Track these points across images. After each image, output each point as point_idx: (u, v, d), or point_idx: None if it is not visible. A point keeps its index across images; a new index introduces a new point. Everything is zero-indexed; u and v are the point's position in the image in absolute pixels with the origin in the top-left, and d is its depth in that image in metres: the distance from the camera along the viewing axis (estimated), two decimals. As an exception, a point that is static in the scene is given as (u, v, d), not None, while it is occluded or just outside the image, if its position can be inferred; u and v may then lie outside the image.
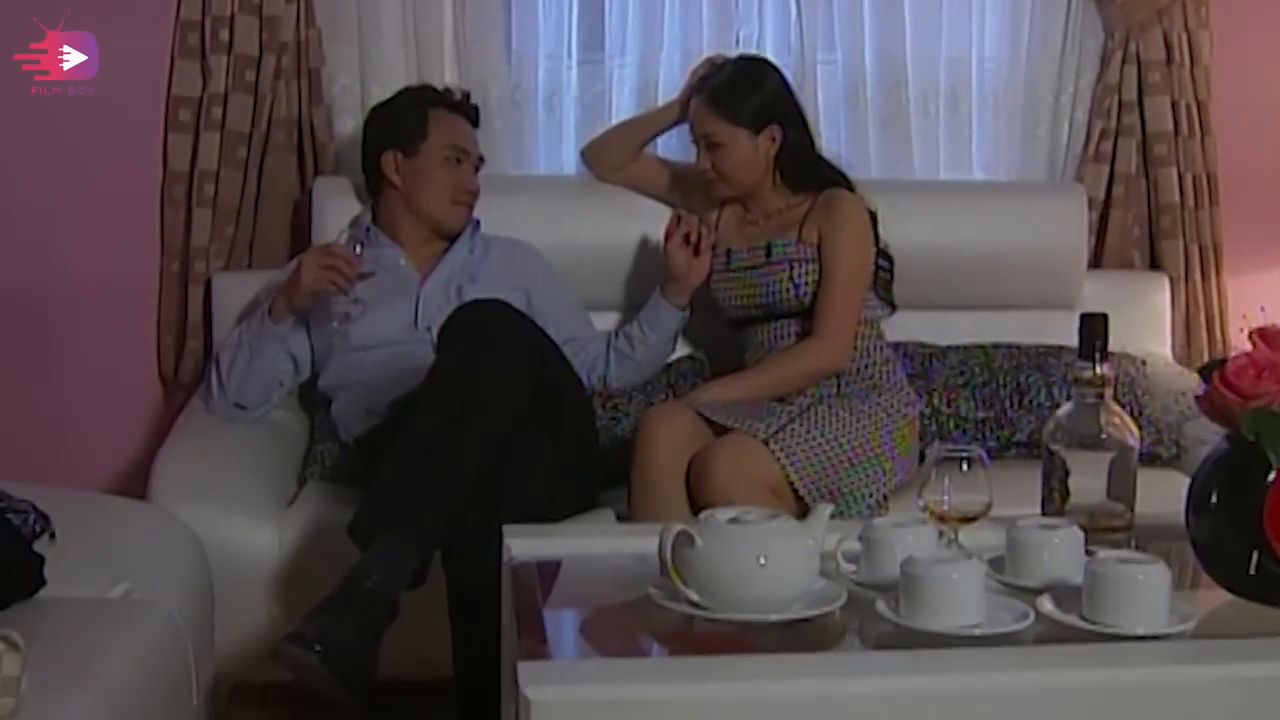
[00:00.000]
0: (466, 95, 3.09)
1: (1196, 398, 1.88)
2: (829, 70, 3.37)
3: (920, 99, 3.38)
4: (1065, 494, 2.02)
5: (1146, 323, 3.38)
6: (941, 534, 1.95)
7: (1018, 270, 3.28)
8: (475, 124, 3.09)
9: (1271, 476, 1.76)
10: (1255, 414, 1.75)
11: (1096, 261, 3.45)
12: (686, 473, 2.63)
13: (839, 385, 2.85)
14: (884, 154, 3.39)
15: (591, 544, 2.05)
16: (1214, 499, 1.82)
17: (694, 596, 1.73)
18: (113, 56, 3.15)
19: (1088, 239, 3.37)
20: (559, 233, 3.19)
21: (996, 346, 3.16)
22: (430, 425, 2.42)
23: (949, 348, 3.16)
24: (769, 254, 2.91)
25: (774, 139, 2.91)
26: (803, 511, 2.57)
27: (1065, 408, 2.05)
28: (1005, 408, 3.04)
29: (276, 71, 3.16)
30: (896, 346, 3.10)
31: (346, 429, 2.89)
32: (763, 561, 1.74)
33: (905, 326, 3.15)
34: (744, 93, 2.90)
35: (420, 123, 2.99)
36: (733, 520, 1.78)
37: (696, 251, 2.97)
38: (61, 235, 3.26)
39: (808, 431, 2.67)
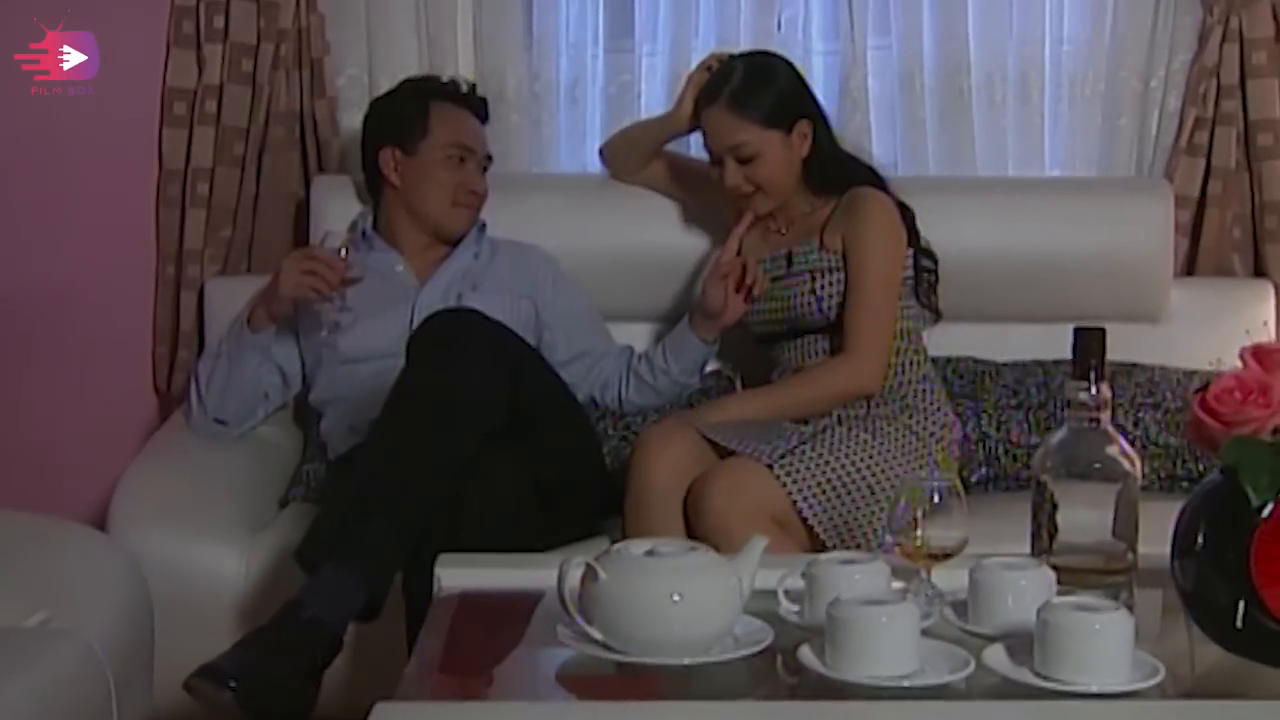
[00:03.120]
0: (473, 88, 3.13)
1: (1187, 424, 1.83)
2: (882, 56, 3.34)
3: (985, 86, 3.33)
4: (1054, 530, 1.98)
5: (1247, 337, 3.27)
6: (910, 573, 1.94)
7: (1091, 278, 3.20)
8: (483, 119, 3.11)
9: (1264, 514, 1.71)
10: (1237, 443, 1.70)
11: (1190, 268, 3.36)
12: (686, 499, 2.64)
13: (868, 405, 2.82)
14: (943, 148, 3.34)
15: (530, 576, 2.05)
16: (1200, 540, 1.77)
17: (598, 636, 1.74)
18: (113, 54, 3.26)
19: (1176, 242, 3.28)
20: (579, 237, 3.21)
21: (1058, 363, 3.09)
22: (389, 445, 2.46)
23: (1004, 364, 3.11)
24: (790, 264, 2.89)
25: (805, 134, 2.89)
26: (815, 545, 2.60)
27: (1057, 434, 2.01)
28: (1062, 432, 2.97)
29: (275, 61, 3.23)
30: (946, 361, 3.07)
31: (334, 447, 2.94)
32: (677, 599, 1.73)
33: (960, 339, 3.12)
34: (764, 87, 2.88)
35: (421, 117, 3.03)
36: (649, 553, 1.78)
37: (738, 290, 2.91)
38: (60, 238, 3.37)
39: (821, 456, 2.65)
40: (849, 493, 2.63)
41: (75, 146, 3.34)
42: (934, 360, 3.01)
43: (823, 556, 1.89)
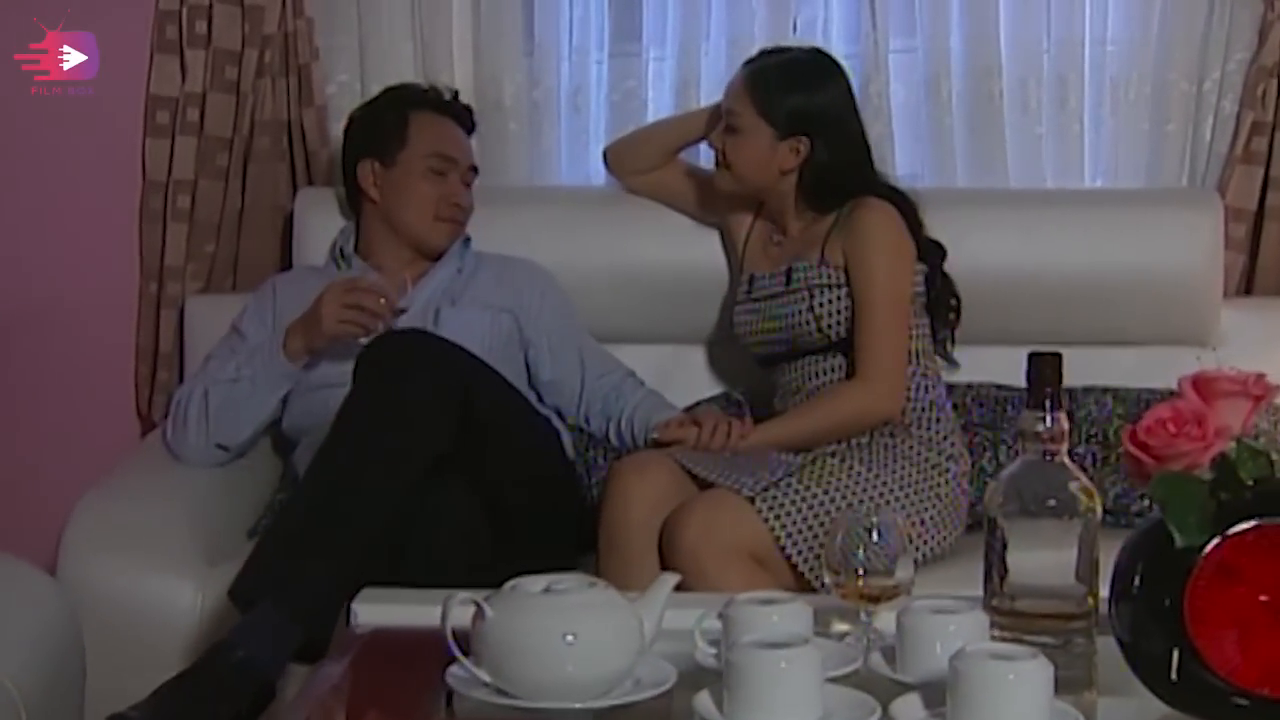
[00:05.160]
0: (456, 95, 3.17)
1: (1123, 458, 1.83)
2: (906, 59, 3.36)
3: (1018, 90, 3.33)
4: (1004, 572, 1.99)
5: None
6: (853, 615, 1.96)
7: (1133, 298, 3.18)
8: (468, 129, 3.17)
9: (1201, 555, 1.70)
10: (1166, 479, 1.70)
11: (1248, 287, 3.34)
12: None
13: (871, 432, 2.83)
14: (973, 158, 3.35)
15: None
16: (1136, 584, 1.77)
17: (487, 678, 1.77)
18: (109, 57, 3.37)
19: (1232, 258, 3.27)
20: (579, 253, 3.25)
21: (1089, 390, 3.07)
22: (329, 474, 2.51)
23: (1030, 391, 3.09)
24: (789, 280, 2.91)
25: (797, 151, 2.91)
26: (801, 585, 2.62)
27: (1011, 467, 2.00)
28: (1085, 465, 2.96)
29: (260, 68, 3.31)
30: (967, 387, 3.08)
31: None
32: (570, 639, 1.76)
33: (985, 364, 3.12)
34: (790, 88, 2.91)
35: (400, 127, 3.08)
36: (545, 590, 1.82)
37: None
38: (49, 250, 3.48)
39: (808, 488, 2.66)
40: (836, 528, 2.64)
41: (67, 153, 3.46)
42: (952, 386, 3.02)
43: (740, 596, 1.91)
